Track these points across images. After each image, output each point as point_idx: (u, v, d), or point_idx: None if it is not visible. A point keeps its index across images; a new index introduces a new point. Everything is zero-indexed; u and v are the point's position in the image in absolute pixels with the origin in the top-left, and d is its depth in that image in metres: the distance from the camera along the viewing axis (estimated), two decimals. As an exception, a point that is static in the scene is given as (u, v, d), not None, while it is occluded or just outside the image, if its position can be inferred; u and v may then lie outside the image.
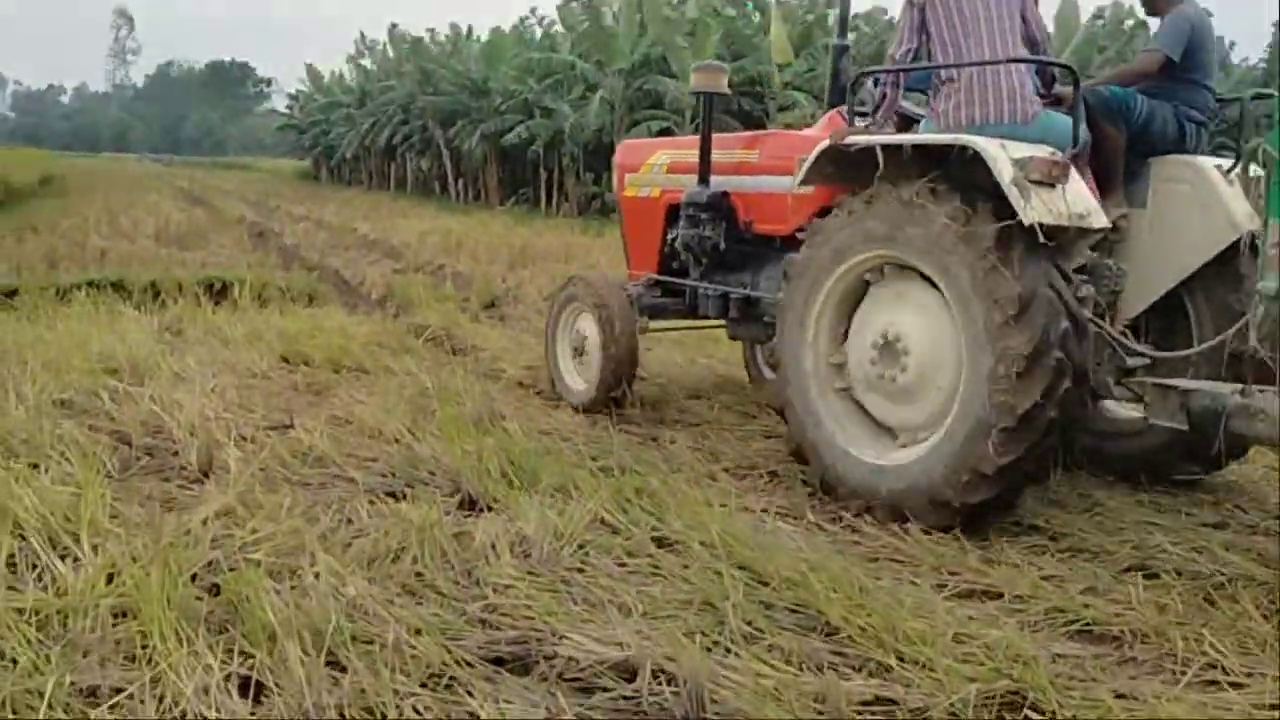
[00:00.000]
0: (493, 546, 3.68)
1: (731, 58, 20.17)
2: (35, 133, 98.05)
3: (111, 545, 3.43)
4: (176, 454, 4.79)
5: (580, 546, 3.77)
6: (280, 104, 65.41)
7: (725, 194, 5.69)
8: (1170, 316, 4.77)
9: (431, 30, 33.79)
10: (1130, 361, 4.34)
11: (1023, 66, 4.38)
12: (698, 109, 5.86)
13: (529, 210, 25.78)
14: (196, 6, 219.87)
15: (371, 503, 4.21)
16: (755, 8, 22.86)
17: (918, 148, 4.25)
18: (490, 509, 4.18)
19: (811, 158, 4.71)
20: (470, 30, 32.62)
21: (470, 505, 4.23)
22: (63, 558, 3.39)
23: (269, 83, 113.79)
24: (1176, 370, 4.48)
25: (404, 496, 4.34)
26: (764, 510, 4.38)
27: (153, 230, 15.38)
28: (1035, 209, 3.86)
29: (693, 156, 5.89)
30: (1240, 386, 3.90)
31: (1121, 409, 4.94)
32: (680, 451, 5.23)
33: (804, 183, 4.87)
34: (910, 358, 4.30)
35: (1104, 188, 4.56)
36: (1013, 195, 3.87)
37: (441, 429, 5.20)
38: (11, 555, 3.39)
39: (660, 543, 3.86)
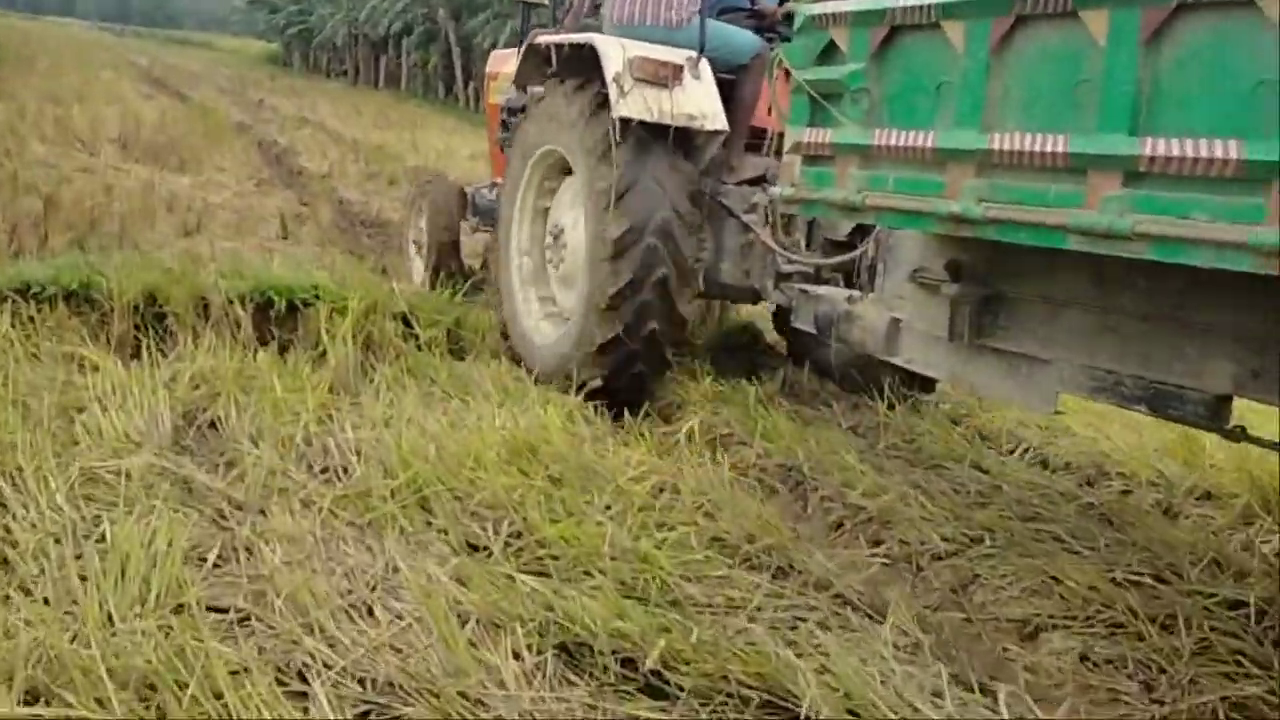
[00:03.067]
0: None
1: None
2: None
3: None
4: None
5: None
6: None
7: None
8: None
9: None
10: (785, 267, 4.75)
11: None
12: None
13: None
14: None
15: None
16: None
17: (574, 46, 4.81)
18: None
19: (519, 57, 5.44)
20: None
21: None
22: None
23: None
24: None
25: None
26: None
27: (118, 133, 11.90)
28: (631, 105, 4.41)
29: None
30: (852, 294, 4.29)
31: None
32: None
33: (518, 81, 5.63)
34: (566, 246, 4.97)
35: None
36: (612, 91, 4.43)
37: None
38: None
39: None
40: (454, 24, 27.62)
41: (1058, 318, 3.20)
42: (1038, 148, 2.65)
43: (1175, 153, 2.32)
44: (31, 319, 4.62)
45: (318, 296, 5.09)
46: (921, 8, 2.96)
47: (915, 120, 3.02)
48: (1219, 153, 2.21)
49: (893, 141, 3.05)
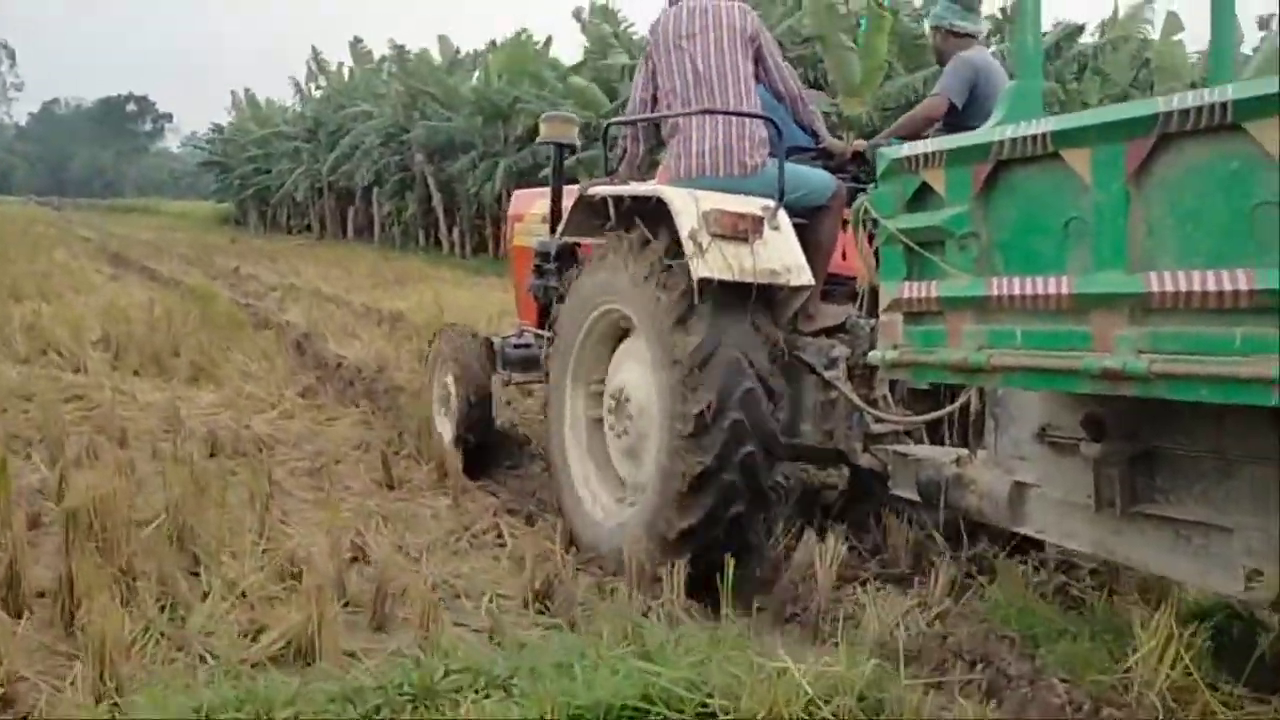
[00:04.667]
0: None
1: (906, 70, 16.83)
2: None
3: None
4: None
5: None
6: (174, 143, 61.86)
7: (576, 244, 5.77)
8: None
9: (400, 48, 28.97)
10: (875, 427, 4.51)
11: (748, 119, 4.82)
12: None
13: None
14: (86, 43, 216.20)
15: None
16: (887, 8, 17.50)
17: (637, 198, 4.61)
18: None
19: (568, 210, 5.23)
20: (486, 49, 28.15)
21: None
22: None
23: (169, 118, 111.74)
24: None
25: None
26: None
27: (101, 332, 10.10)
28: (710, 263, 4.15)
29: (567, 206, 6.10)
30: (960, 454, 3.96)
31: None
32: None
33: (564, 234, 5.44)
34: (631, 415, 4.64)
35: None
36: (688, 248, 4.17)
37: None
38: None
39: None
40: (431, 168, 26.91)
41: (1235, 475, 2.82)
42: (1210, 287, 2.34)
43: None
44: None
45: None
46: (1033, 138, 2.71)
47: (1041, 265, 2.73)
48: None
49: (1016, 290, 2.76)
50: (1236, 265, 2.30)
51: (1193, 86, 17.12)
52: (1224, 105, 2.30)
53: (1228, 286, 2.31)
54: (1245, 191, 2.30)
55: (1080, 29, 17.87)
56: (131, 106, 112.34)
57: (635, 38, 21.68)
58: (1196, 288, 2.37)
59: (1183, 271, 2.41)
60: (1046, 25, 19.40)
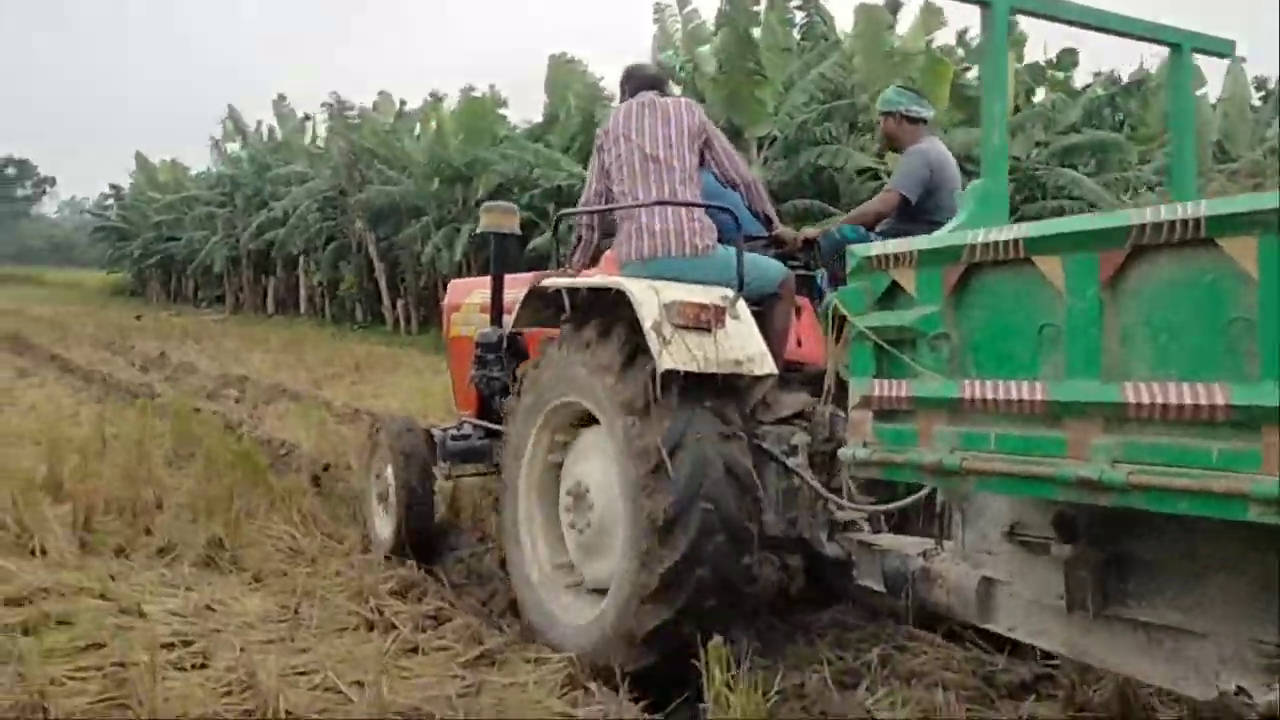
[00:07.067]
0: None
1: (955, 123, 15.73)
2: None
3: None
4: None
5: None
6: (50, 208, 58.31)
7: (518, 334, 6.00)
8: None
9: (340, 102, 26.16)
10: (839, 515, 4.57)
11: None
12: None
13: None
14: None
15: None
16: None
17: (594, 289, 4.76)
18: None
19: (520, 301, 5.33)
20: (427, 104, 25.43)
21: None
22: None
23: (51, 181, 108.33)
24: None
25: None
26: None
27: (43, 472, 7.07)
28: (675, 354, 4.22)
29: (508, 295, 6.31)
30: (926, 546, 4.00)
31: None
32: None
33: (517, 325, 5.52)
34: (593, 510, 4.67)
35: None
36: (651, 340, 4.24)
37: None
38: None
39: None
40: (373, 235, 25.58)
41: (1205, 581, 2.88)
42: (1186, 400, 2.41)
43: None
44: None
45: None
46: (1006, 243, 2.78)
47: (1015, 369, 2.79)
48: None
49: (989, 394, 2.82)
50: (1212, 379, 2.38)
51: (1217, 144, 17.95)
52: (1197, 220, 2.38)
53: (1204, 400, 2.39)
54: (1220, 306, 2.39)
55: (1139, 83, 18.17)
56: (10, 170, 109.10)
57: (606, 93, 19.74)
58: (1173, 400, 2.44)
59: (1158, 383, 2.48)
60: (1088, 77, 20.03)
